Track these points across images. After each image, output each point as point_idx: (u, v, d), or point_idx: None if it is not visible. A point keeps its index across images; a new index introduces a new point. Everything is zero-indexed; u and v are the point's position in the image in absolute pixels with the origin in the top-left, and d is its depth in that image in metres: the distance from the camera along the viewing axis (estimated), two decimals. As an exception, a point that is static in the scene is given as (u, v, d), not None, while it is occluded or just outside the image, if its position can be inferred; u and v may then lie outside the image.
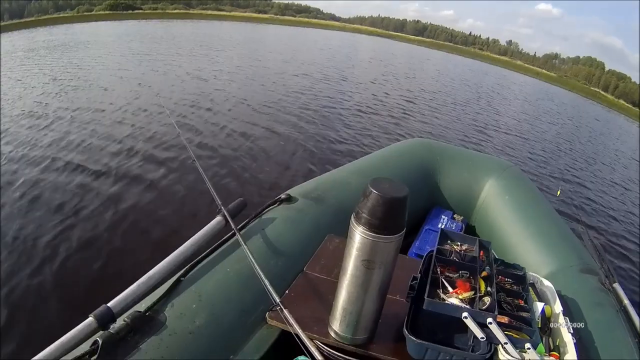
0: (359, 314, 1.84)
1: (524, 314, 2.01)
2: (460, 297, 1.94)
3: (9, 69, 14.37)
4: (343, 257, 1.78)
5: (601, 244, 6.48)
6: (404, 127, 12.43)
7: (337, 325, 1.90)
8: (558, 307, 2.25)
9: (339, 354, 1.87)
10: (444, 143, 4.74)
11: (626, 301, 2.47)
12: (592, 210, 8.98)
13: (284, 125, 10.18)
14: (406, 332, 1.83)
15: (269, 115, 11.03)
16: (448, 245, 2.34)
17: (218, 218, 2.38)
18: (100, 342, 1.68)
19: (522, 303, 2.10)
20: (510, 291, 2.18)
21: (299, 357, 1.88)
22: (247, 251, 2.04)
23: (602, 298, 2.51)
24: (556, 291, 2.38)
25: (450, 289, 2.00)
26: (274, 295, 1.84)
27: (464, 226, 3.73)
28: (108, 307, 1.83)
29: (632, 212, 9.80)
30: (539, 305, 2.22)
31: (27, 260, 4.36)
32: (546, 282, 2.45)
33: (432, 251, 2.23)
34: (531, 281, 2.45)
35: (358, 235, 1.66)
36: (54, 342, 1.69)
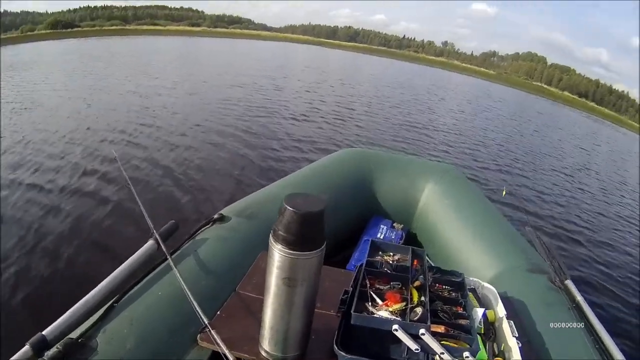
0: (286, 332, 1.84)
1: (463, 322, 2.01)
2: (390, 309, 1.93)
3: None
4: (266, 276, 1.79)
5: (552, 238, 6.67)
6: (342, 132, 12.60)
7: (266, 344, 1.90)
8: (501, 311, 2.26)
9: None
10: (378, 151, 4.75)
11: (579, 297, 2.47)
12: (541, 202, 9.30)
13: (222, 138, 10.21)
14: (336, 349, 1.83)
15: (207, 129, 11.02)
16: (379, 257, 2.35)
17: (150, 242, 2.37)
18: None
19: (460, 310, 2.10)
20: (448, 299, 2.17)
21: None
22: (177, 274, 2.04)
23: (552, 297, 2.52)
24: (500, 294, 2.39)
25: (379, 301, 1.99)
26: (202, 316, 1.84)
27: (404, 234, 3.69)
28: (43, 335, 1.83)
29: (577, 197, 10.32)
30: (479, 311, 2.24)
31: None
32: (488, 286, 2.46)
33: (362, 264, 2.23)
34: (472, 286, 2.46)
35: (277, 253, 1.66)
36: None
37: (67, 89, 15.48)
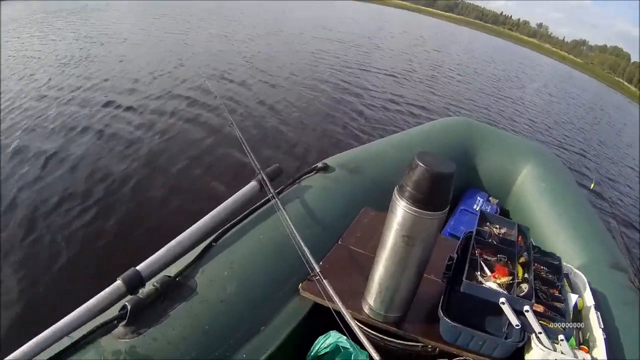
0: (394, 291, 1.79)
1: (558, 305, 1.93)
2: (498, 281, 1.86)
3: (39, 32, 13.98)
4: (382, 231, 1.72)
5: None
6: (437, 96, 12.42)
7: (371, 300, 1.85)
8: (590, 301, 2.17)
9: (371, 331, 1.81)
10: (484, 124, 4.61)
11: None
12: (627, 205, 8.79)
13: (319, 91, 10.12)
14: (441, 314, 1.77)
15: (305, 79, 10.98)
16: (487, 227, 2.25)
17: (253, 183, 2.32)
18: (129, 307, 1.64)
19: (556, 293, 2.02)
20: (546, 280, 2.09)
21: (330, 331, 1.84)
22: (286, 217, 1.98)
23: (630, 297, 2.43)
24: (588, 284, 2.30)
25: (488, 272, 1.92)
26: (314, 264, 1.78)
27: (498, 209, 3.65)
28: (137, 270, 1.80)
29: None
30: (574, 297, 2.15)
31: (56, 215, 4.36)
32: (579, 274, 2.37)
33: (470, 232, 2.16)
34: (565, 272, 2.35)
35: (400, 209, 1.59)
36: (80, 305, 1.69)
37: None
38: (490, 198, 3.76)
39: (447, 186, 1.58)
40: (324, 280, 1.70)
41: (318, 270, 1.76)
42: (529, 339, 1.78)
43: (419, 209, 1.55)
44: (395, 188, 1.62)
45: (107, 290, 1.73)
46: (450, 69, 18.37)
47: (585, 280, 2.32)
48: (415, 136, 3.76)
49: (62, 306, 1.77)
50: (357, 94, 10.57)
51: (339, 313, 1.64)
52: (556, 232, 3.10)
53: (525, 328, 1.74)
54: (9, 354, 1.50)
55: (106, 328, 1.61)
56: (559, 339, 1.74)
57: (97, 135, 6.08)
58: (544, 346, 1.72)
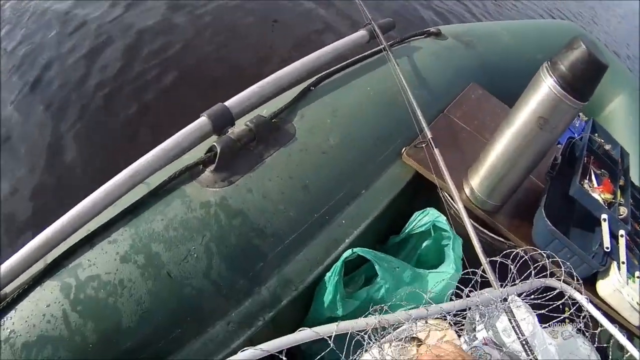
0: (504, 177, 1.66)
1: (639, 239, 1.82)
2: (603, 196, 1.75)
3: None
4: (513, 110, 1.56)
5: None
6: None
7: (476, 181, 1.73)
8: None
9: (468, 218, 1.62)
10: (594, 38, 4.31)
11: None
12: None
13: None
14: (543, 215, 1.65)
15: None
16: (597, 138, 2.10)
17: (362, 32, 2.11)
18: (218, 148, 1.48)
19: (638, 227, 1.90)
20: (632, 213, 1.94)
21: (428, 208, 1.74)
22: (397, 72, 1.82)
23: None
24: None
25: (595, 183, 1.81)
26: (425, 128, 1.64)
27: (586, 127, 3.45)
28: (225, 106, 1.60)
29: None
30: None
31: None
32: None
33: (573, 137, 2.04)
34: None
35: (546, 87, 1.42)
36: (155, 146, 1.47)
37: None
38: (580, 113, 3.54)
39: (599, 79, 1.42)
40: (435, 149, 1.57)
41: (430, 137, 1.62)
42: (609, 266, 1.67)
43: (566, 92, 1.39)
44: (546, 63, 1.45)
45: (190, 127, 1.53)
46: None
47: None
48: (529, 28, 3.52)
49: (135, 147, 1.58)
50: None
51: (440, 189, 1.53)
52: (636, 169, 2.89)
53: (613, 253, 1.64)
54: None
55: (191, 173, 1.49)
56: (636, 275, 1.65)
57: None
58: (620, 277, 1.62)
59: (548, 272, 1.29)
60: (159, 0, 4.35)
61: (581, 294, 1.33)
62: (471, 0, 7.43)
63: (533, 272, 1.23)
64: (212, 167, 1.50)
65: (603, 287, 1.66)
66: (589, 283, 1.67)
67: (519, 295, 1.27)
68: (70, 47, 3.70)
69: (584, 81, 1.39)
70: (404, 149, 1.89)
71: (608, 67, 1.38)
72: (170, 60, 3.77)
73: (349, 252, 1.53)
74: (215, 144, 1.50)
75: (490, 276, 1.31)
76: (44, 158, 2.97)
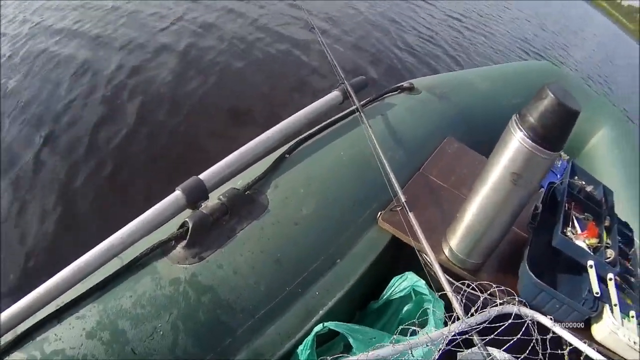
0: (482, 235, 1.63)
1: (630, 278, 1.81)
2: (587, 241, 1.72)
3: None
4: (486, 166, 1.55)
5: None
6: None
7: (454, 241, 1.71)
8: None
9: (450, 278, 1.62)
10: (569, 73, 4.37)
11: None
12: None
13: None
14: (526, 268, 1.62)
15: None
16: (577, 181, 2.09)
17: (335, 93, 2.12)
18: (190, 224, 1.48)
19: (629, 265, 1.89)
20: (621, 250, 1.91)
21: (407, 273, 1.70)
22: (371, 135, 1.82)
23: None
24: None
25: (579, 229, 1.78)
26: (399, 192, 1.63)
27: (568, 167, 3.44)
28: (199, 179, 1.59)
29: None
30: None
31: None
32: None
33: (554, 183, 2.03)
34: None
35: (516, 141, 1.41)
36: (135, 218, 1.48)
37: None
38: (562, 153, 3.53)
39: (572, 126, 1.41)
40: (410, 213, 1.56)
41: (404, 200, 1.61)
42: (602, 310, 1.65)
43: (537, 145, 1.38)
44: (514, 116, 1.45)
45: (164, 202, 1.53)
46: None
47: None
48: (503, 72, 3.55)
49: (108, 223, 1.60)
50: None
51: (418, 252, 1.51)
52: (623, 203, 2.85)
53: (604, 297, 1.61)
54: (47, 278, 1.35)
55: (163, 249, 1.48)
56: (631, 315, 1.62)
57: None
58: (615, 319, 1.59)
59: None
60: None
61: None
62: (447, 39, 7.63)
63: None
64: (183, 243, 1.49)
65: (598, 330, 1.63)
66: (585, 327, 1.65)
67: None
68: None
69: (554, 131, 1.38)
70: (379, 213, 1.88)
71: (579, 112, 1.37)
72: (141, 133, 3.87)
73: (319, 326, 1.49)
74: (187, 219, 1.50)
75: (476, 340, 1.30)
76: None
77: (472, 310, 1.32)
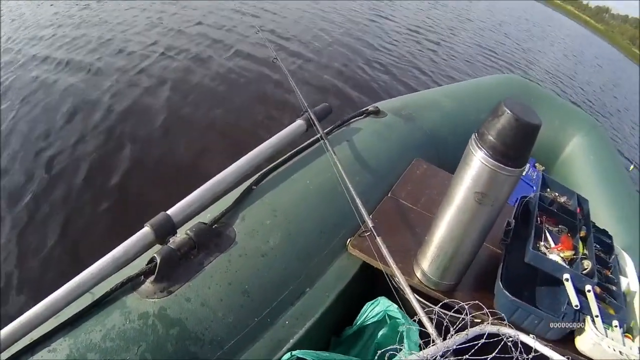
0: (452, 256, 1.62)
1: (611, 286, 1.78)
2: (562, 254, 1.71)
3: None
4: (450, 186, 1.53)
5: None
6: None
7: (425, 264, 1.69)
8: (635, 286, 1.98)
9: (424, 301, 1.63)
10: (538, 85, 4.41)
11: None
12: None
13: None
14: (501, 287, 1.61)
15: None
16: (549, 193, 2.08)
17: (299, 121, 2.12)
18: (158, 259, 1.49)
19: (609, 274, 1.87)
20: (599, 259, 1.91)
21: (379, 298, 1.68)
22: (336, 162, 1.81)
23: None
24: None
25: (552, 243, 1.77)
26: (367, 218, 1.61)
27: (543, 177, 3.47)
28: (168, 215, 1.62)
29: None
30: (624, 281, 1.96)
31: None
32: (626, 256, 2.15)
33: (526, 196, 2.01)
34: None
35: (477, 160, 1.39)
36: (103, 256, 1.51)
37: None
38: (536, 164, 3.61)
39: (532, 141, 1.38)
40: (377, 238, 1.54)
41: (371, 226, 1.59)
42: (583, 322, 1.63)
43: (498, 163, 1.36)
44: (473, 136, 1.42)
45: (133, 238, 1.55)
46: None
47: (632, 262, 2.13)
48: (469, 89, 3.59)
49: (80, 259, 1.61)
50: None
51: (389, 276, 1.50)
52: (602, 209, 2.93)
53: (583, 310, 1.59)
54: (21, 314, 1.37)
55: (132, 284, 1.49)
56: (614, 324, 1.60)
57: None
58: (598, 331, 1.58)
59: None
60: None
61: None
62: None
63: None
64: (152, 277, 1.49)
65: (582, 343, 1.62)
66: (569, 341, 1.64)
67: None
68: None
69: (515, 147, 1.35)
70: (349, 239, 1.87)
71: (540, 126, 1.34)
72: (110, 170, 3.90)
73: (287, 355, 1.48)
74: (155, 254, 1.50)
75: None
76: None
77: (452, 331, 1.29)
